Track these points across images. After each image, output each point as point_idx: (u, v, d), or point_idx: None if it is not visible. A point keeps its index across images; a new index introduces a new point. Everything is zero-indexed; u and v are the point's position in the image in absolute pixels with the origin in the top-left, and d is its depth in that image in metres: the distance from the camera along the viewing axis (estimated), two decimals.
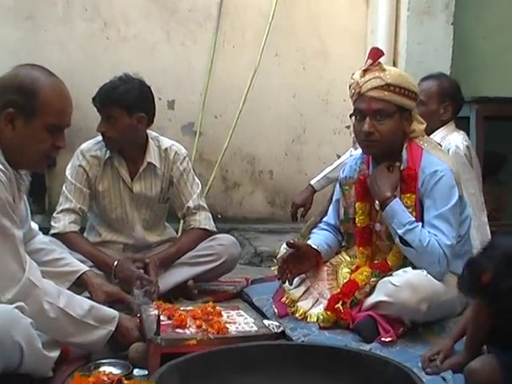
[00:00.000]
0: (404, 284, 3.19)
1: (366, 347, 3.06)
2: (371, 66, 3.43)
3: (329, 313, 3.36)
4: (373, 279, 3.39)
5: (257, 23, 6.16)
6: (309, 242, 3.75)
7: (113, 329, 2.89)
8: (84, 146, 4.21)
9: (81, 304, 2.84)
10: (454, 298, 3.34)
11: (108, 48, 6.05)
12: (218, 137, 6.14)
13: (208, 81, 6.12)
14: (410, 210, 3.39)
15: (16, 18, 5.92)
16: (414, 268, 3.32)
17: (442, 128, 4.41)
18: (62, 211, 4.10)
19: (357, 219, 3.62)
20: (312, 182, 4.77)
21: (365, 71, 3.45)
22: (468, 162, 4.28)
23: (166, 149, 4.24)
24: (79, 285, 3.40)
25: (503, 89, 5.87)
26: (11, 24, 5.91)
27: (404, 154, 3.49)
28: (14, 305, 2.59)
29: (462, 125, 4.90)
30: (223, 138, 6.03)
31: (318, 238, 3.79)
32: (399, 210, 3.33)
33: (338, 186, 3.86)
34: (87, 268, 3.42)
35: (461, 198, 3.45)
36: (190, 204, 4.27)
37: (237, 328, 2.94)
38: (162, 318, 2.87)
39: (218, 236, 4.34)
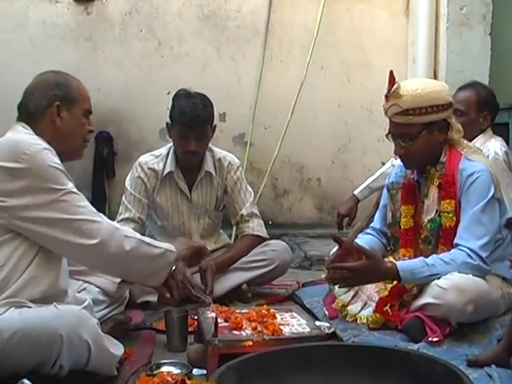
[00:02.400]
0: (450, 286, 3.13)
1: (414, 347, 3.03)
2: (389, 93, 3.38)
3: (378, 315, 3.34)
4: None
5: (302, 39, 6.19)
6: None
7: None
8: (142, 158, 4.24)
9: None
10: (498, 298, 3.33)
11: (162, 66, 6.13)
12: (268, 146, 6.16)
13: (257, 94, 6.16)
14: (451, 215, 3.36)
15: (76, 39, 6.03)
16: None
17: (480, 136, 4.33)
18: (121, 220, 4.11)
19: (401, 221, 3.61)
20: (355, 192, 4.74)
21: (386, 97, 3.41)
22: (507, 167, 4.19)
23: (219, 159, 4.26)
24: None
25: None
26: (72, 45, 6.03)
27: (442, 159, 3.46)
28: (82, 305, 2.65)
29: (501, 131, 4.84)
30: (273, 148, 6.04)
31: (361, 241, 3.76)
32: (408, 268, 3.28)
33: (385, 190, 3.84)
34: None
35: (499, 201, 3.40)
36: (244, 212, 4.28)
37: (290, 329, 2.93)
38: (219, 320, 2.87)
39: (271, 242, 4.34)
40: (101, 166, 6.02)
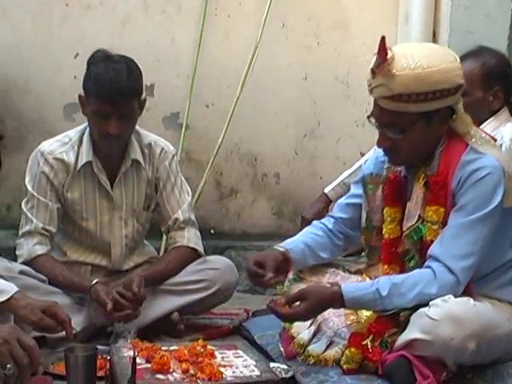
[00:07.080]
0: (444, 317, 3.12)
1: None
2: (377, 69, 3.26)
3: (353, 349, 3.33)
4: (403, 313, 3.31)
5: None
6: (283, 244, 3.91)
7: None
8: (45, 146, 4.18)
9: None
10: (511, 331, 3.32)
11: (67, 18, 6.08)
12: (210, 131, 6.16)
13: (196, 59, 6.11)
14: (436, 226, 3.33)
15: None
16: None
17: (491, 118, 4.35)
18: (23, 236, 4.12)
19: (384, 229, 3.58)
20: (326, 191, 4.74)
21: (373, 72, 3.29)
22: None
23: (149, 144, 4.26)
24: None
25: None
26: None
27: (438, 150, 3.42)
28: None
29: None
30: (217, 133, 6.02)
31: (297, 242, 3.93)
32: (357, 298, 3.31)
33: (359, 182, 3.82)
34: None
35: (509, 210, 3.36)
36: (179, 216, 4.29)
37: (234, 372, 2.95)
38: (138, 360, 2.87)
39: (210, 258, 4.34)
40: None
